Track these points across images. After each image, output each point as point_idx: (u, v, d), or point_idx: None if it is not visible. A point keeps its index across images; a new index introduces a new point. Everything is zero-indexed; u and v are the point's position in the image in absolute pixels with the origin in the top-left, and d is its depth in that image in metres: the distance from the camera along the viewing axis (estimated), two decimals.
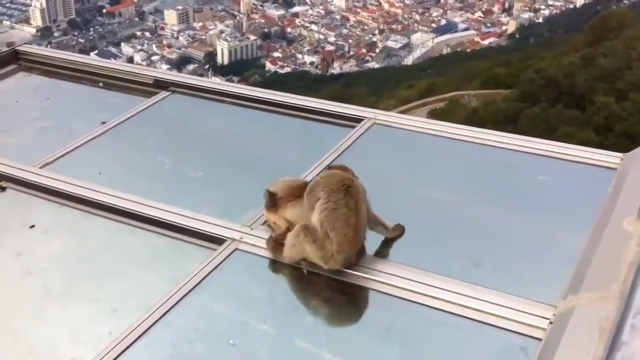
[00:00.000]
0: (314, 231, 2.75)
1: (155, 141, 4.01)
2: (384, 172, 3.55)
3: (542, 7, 68.91)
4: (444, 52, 62.18)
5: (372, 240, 2.91)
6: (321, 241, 2.73)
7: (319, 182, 2.85)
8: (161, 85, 4.48)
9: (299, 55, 64.70)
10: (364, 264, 2.80)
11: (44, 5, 67.22)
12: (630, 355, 2.20)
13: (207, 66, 62.56)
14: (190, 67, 61.21)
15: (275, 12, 70.06)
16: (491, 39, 64.60)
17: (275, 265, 2.87)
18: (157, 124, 4.19)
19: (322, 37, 66.59)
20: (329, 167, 3.17)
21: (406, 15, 69.02)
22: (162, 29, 68.63)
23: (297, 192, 2.96)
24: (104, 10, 70.88)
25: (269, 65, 63.12)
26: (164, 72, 5.55)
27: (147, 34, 68.00)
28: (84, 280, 2.93)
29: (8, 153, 3.75)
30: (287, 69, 62.38)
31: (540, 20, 67.55)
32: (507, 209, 3.31)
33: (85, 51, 54.94)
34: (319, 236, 2.73)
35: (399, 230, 2.99)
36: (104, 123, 4.08)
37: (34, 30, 64.89)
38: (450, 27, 66.95)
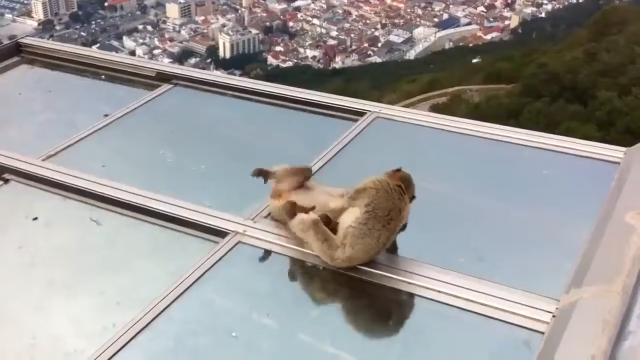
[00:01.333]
0: (324, 230, 2.73)
1: (158, 134, 4.00)
2: (387, 165, 3.51)
3: (545, 1, 68.70)
4: (447, 46, 62.06)
5: None
6: (333, 242, 2.71)
7: (371, 192, 2.71)
8: (163, 78, 4.47)
9: (301, 50, 64.58)
10: None
11: None
12: (638, 344, 2.20)
13: (209, 60, 62.48)
14: (192, 60, 61.10)
15: (277, 6, 69.90)
16: (494, 34, 64.47)
17: (279, 258, 2.87)
18: (160, 116, 4.18)
19: (324, 31, 66.45)
20: (396, 170, 2.84)
21: (408, 10, 68.85)
22: (164, 22, 68.50)
23: (300, 178, 2.98)
24: (106, 4, 70.74)
25: (270, 60, 63.01)
26: (166, 64, 5.53)
27: (149, 27, 67.88)
28: (87, 273, 2.93)
29: (11, 145, 3.74)
30: (289, 63, 62.28)
31: (543, 15, 67.37)
32: (510, 202, 3.30)
33: (87, 45, 54.83)
34: (332, 236, 2.71)
35: None
36: (106, 116, 4.08)
37: (35, 24, 64.95)
38: (453, 22, 66.78)
